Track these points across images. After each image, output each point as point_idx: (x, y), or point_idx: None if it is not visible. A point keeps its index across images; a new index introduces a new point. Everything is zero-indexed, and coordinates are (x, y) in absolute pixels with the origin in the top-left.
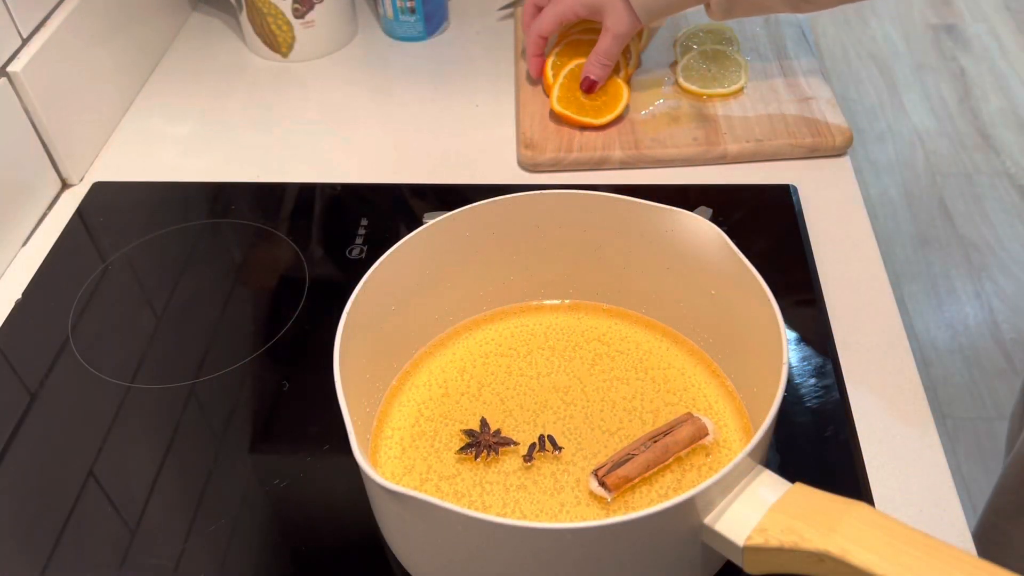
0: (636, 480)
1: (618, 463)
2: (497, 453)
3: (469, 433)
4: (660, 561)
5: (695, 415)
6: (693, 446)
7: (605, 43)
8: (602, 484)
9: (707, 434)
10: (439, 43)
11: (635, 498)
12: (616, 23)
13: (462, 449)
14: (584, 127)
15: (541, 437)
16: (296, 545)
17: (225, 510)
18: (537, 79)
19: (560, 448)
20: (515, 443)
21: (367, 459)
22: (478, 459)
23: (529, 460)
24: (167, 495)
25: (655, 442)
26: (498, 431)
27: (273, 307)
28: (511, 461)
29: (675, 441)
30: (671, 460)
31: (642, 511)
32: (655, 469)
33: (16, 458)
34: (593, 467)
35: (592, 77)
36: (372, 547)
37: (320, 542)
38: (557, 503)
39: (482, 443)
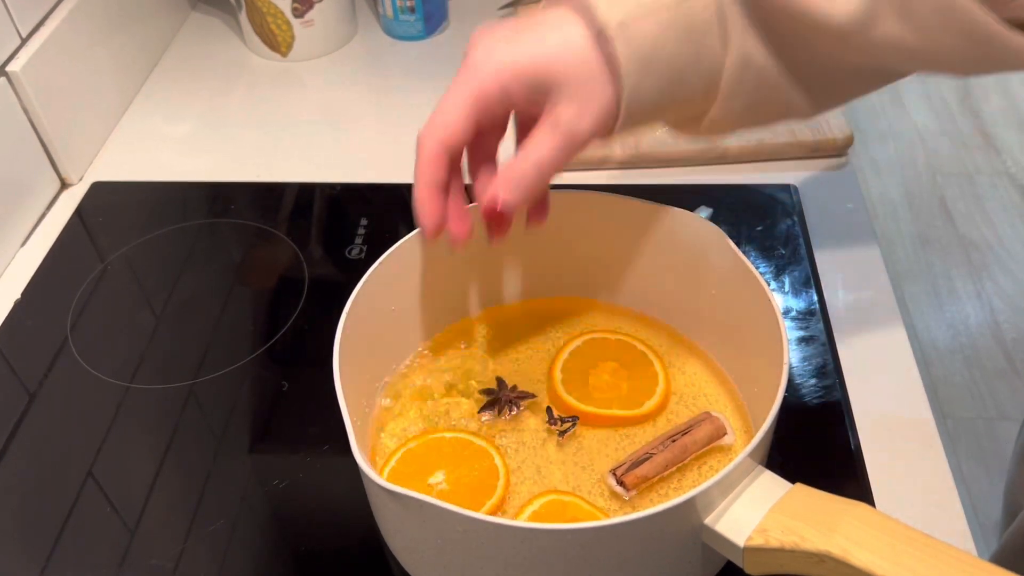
0: (655, 479)
1: (636, 462)
2: (519, 408)
3: (488, 392)
4: (660, 561)
5: (713, 414)
6: (711, 446)
7: (547, 145)
8: (620, 483)
9: (725, 433)
10: (439, 42)
11: (636, 498)
12: (577, 115)
13: (483, 408)
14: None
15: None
16: (296, 545)
17: (225, 510)
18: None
19: (572, 420)
20: (533, 396)
21: (367, 459)
22: (500, 415)
23: (553, 423)
24: (167, 495)
25: (673, 442)
26: (515, 387)
27: (273, 307)
28: (512, 459)
29: (693, 441)
30: (689, 460)
31: (642, 511)
32: (673, 468)
33: (16, 458)
34: (594, 466)
35: (502, 196)
36: (372, 547)
37: (320, 542)
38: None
39: (502, 399)
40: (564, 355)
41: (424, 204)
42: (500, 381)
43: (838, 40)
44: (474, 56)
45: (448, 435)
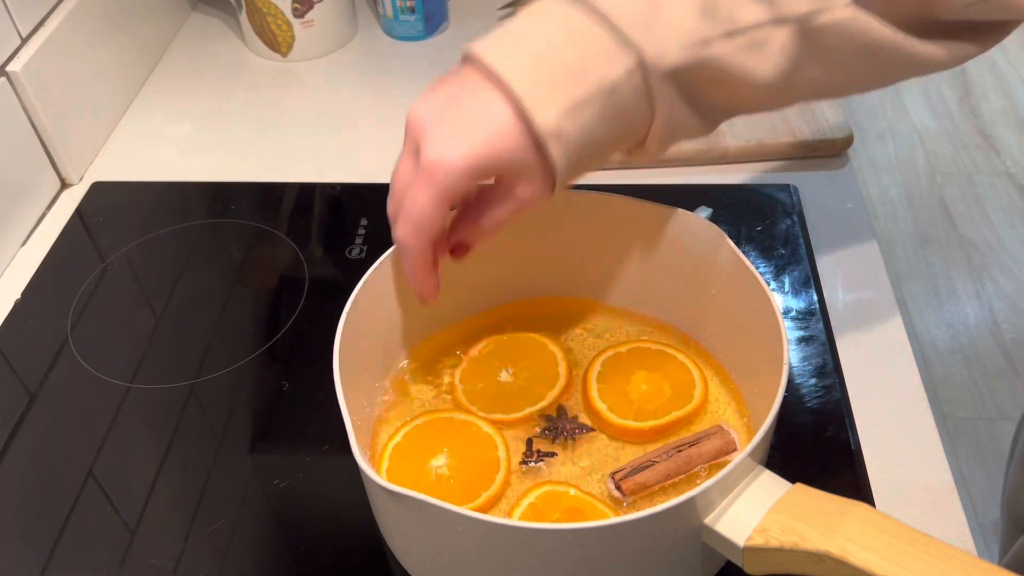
0: (654, 488)
1: (637, 468)
2: (574, 439)
3: (547, 418)
4: (660, 561)
5: (725, 428)
6: (719, 461)
7: (506, 210)
8: (618, 488)
9: (735, 449)
10: (439, 43)
11: (636, 498)
12: (527, 189)
13: (542, 432)
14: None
15: (529, 441)
16: (296, 545)
17: (225, 510)
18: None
19: (552, 454)
20: (592, 430)
21: (367, 459)
22: (555, 442)
23: (529, 456)
24: (167, 495)
25: (679, 452)
26: (575, 417)
27: (273, 307)
28: (514, 459)
29: (700, 453)
30: (695, 471)
31: (642, 511)
32: (675, 479)
33: (16, 458)
34: (594, 464)
35: (469, 243)
36: (372, 547)
37: (320, 542)
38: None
39: (559, 427)
40: (592, 385)
41: (423, 285)
42: (561, 409)
43: (763, 93)
44: (428, 155)
45: (458, 416)
